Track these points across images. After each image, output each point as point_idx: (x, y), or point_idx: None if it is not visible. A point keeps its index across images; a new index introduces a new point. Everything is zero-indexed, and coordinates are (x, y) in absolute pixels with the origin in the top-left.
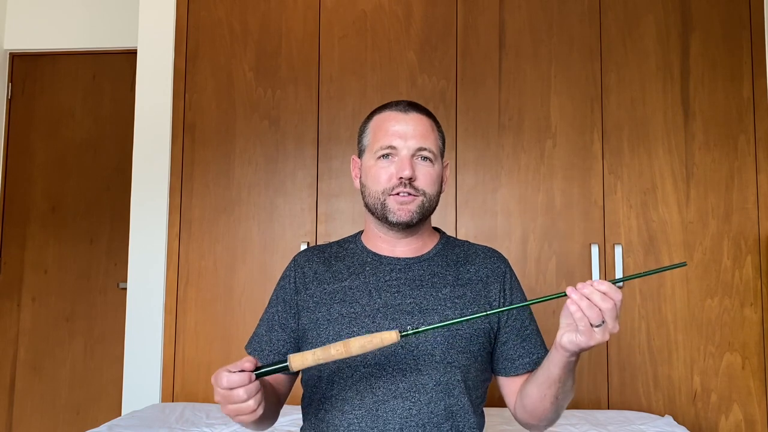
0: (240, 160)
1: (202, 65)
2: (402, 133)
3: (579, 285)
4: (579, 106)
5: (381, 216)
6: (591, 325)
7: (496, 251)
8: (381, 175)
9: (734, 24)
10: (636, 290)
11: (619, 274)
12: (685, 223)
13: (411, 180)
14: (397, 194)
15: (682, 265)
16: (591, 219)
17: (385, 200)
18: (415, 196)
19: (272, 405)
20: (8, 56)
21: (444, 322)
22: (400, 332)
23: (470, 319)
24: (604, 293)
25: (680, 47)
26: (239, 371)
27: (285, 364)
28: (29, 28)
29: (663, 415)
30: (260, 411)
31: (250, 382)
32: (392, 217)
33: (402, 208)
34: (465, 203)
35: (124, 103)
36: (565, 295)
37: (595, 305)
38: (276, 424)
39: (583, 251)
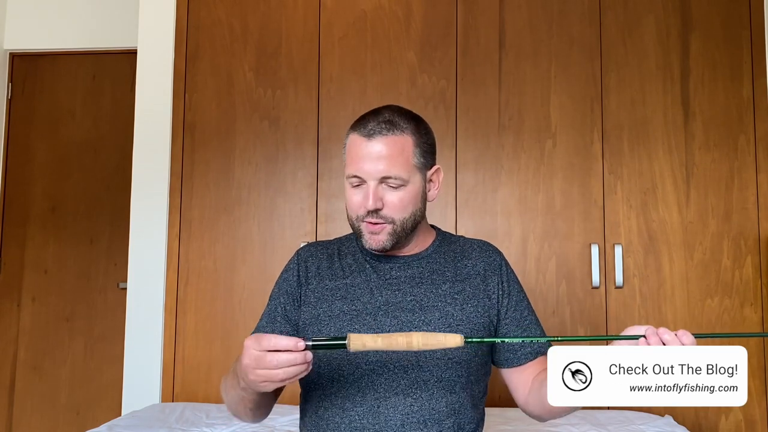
0: (240, 160)
1: (202, 65)
2: (366, 161)
3: (660, 330)
4: (579, 106)
5: (358, 238)
6: None
7: (490, 244)
8: (353, 201)
9: (734, 24)
10: (636, 290)
11: (619, 275)
12: (685, 223)
13: (378, 210)
14: (367, 222)
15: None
16: (591, 219)
17: (359, 226)
18: (383, 224)
19: (271, 396)
20: (8, 56)
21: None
22: (464, 338)
23: (530, 339)
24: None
25: (680, 47)
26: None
27: (343, 342)
28: (29, 28)
29: (663, 415)
30: (287, 383)
31: (297, 351)
32: (366, 245)
33: (372, 238)
34: (465, 203)
35: (124, 103)
36: (643, 337)
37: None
38: (276, 424)
39: (583, 251)
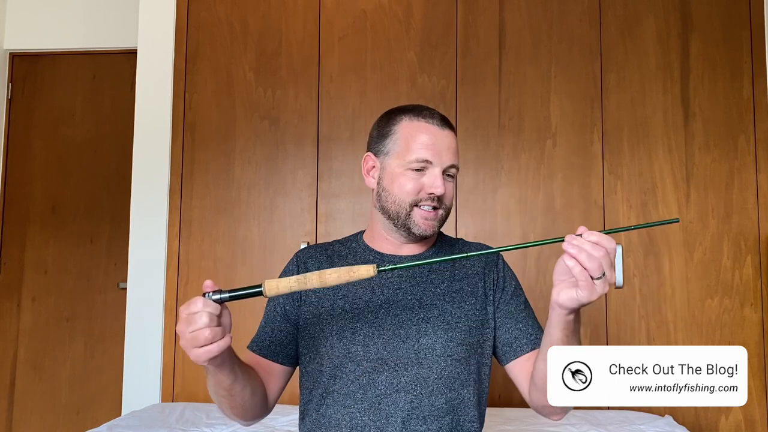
0: (240, 160)
1: (202, 65)
2: (438, 149)
3: (569, 237)
4: (579, 106)
5: (402, 224)
6: (591, 278)
7: (488, 246)
8: (409, 185)
9: (734, 24)
10: (636, 290)
11: (619, 275)
12: (685, 223)
13: (440, 196)
14: (423, 207)
15: (675, 221)
16: (591, 219)
17: (410, 211)
18: (437, 209)
19: (256, 395)
20: (8, 56)
21: (422, 261)
22: (377, 266)
23: (451, 259)
24: (595, 243)
25: (680, 47)
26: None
27: (259, 288)
28: (29, 28)
29: (663, 415)
30: (214, 349)
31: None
32: (416, 230)
33: (426, 223)
34: (465, 203)
35: (124, 103)
36: (563, 240)
37: (595, 256)
38: (276, 424)
39: None
